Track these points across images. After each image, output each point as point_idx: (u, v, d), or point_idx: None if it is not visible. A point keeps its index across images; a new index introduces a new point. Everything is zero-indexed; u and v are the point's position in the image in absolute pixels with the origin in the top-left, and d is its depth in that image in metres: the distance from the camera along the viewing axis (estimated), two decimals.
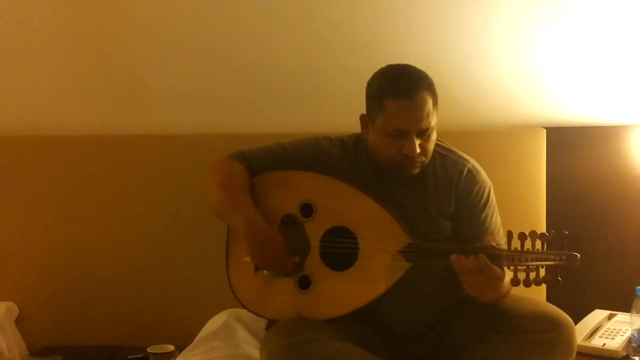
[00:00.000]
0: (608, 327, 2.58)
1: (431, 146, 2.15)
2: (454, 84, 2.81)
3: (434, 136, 2.15)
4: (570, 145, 2.83)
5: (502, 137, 2.80)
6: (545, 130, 2.80)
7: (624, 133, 2.83)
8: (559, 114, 2.87)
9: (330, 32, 2.86)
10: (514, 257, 1.98)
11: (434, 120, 2.11)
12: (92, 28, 2.86)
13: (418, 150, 2.10)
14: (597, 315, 2.67)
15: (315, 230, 2.17)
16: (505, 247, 2.11)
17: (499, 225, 2.25)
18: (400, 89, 2.08)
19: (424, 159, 2.14)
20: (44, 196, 2.80)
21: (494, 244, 2.01)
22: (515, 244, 2.00)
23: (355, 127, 2.26)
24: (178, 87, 2.88)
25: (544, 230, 2.70)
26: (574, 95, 2.87)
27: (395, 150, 2.11)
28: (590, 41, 2.85)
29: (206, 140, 2.78)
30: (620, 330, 2.55)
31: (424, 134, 2.11)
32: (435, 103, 2.12)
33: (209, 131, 2.83)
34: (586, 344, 2.49)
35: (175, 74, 2.87)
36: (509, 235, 2.00)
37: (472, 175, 2.23)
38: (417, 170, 2.16)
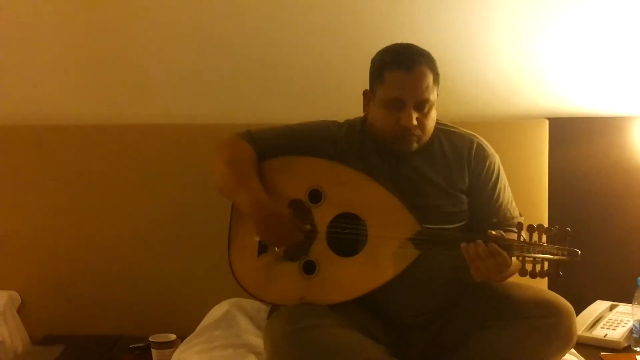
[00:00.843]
0: (610, 318, 2.59)
1: (429, 122, 2.16)
2: (456, 75, 2.81)
3: (433, 114, 2.17)
4: (572, 136, 2.82)
5: (505, 127, 2.80)
6: (547, 121, 2.80)
7: (627, 124, 2.83)
8: (562, 104, 2.87)
9: (334, 22, 2.85)
10: (523, 248, 2.00)
11: (433, 96, 2.14)
12: (93, 17, 2.84)
13: (415, 122, 2.11)
14: (599, 306, 2.67)
15: (322, 216, 2.18)
16: (519, 216, 2.24)
17: (510, 198, 2.29)
18: (400, 60, 2.14)
19: (420, 133, 2.15)
20: (45, 185, 2.80)
21: (502, 233, 2.03)
22: (524, 235, 2.03)
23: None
24: (180, 77, 2.87)
25: (546, 221, 2.74)
26: (576, 86, 2.87)
27: (392, 122, 2.13)
28: (593, 32, 2.84)
29: (208, 131, 2.76)
30: (621, 321, 2.56)
31: (422, 107, 2.13)
32: (435, 80, 2.15)
33: (211, 121, 2.83)
34: (588, 334, 2.50)
35: (176, 63, 2.86)
36: (519, 227, 2.03)
37: (482, 149, 2.26)
38: (414, 146, 2.17)
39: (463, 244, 2.02)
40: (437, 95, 2.19)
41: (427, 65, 2.14)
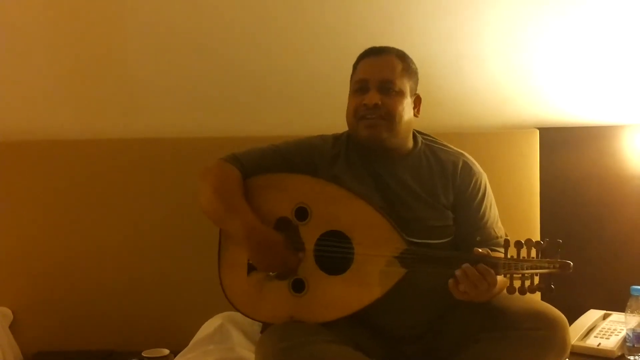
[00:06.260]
0: (603, 327, 2.58)
1: (396, 105, 2.18)
2: (446, 85, 2.82)
3: (402, 101, 2.18)
4: (563, 146, 2.83)
5: (495, 137, 2.81)
6: (538, 131, 2.81)
7: (617, 133, 2.84)
8: (552, 114, 2.88)
9: (324, 33, 2.86)
10: (510, 265, 1.98)
11: (400, 82, 2.19)
12: (84, 31, 2.85)
13: (378, 101, 2.15)
14: (592, 315, 2.66)
15: (309, 234, 2.17)
16: (504, 236, 2.20)
17: (496, 216, 2.29)
18: (371, 50, 2.26)
19: (386, 115, 2.16)
20: (36, 201, 2.79)
21: (489, 251, 2.02)
22: (512, 252, 2.00)
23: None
24: (171, 91, 2.87)
25: (538, 231, 2.74)
26: (566, 95, 2.88)
27: (358, 104, 2.18)
28: (582, 41, 2.86)
29: (199, 144, 2.77)
30: (615, 330, 2.55)
31: (387, 89, 2.17)
32: (405, 70, 2.21)
33: (202, 134, 2.83)
34: (581, 344, 2.49)
35: (168, 77, 2.86)
36: (506, 243, 2.02)
37: (468, 167, 2.26)
38: (384, 134, 2.18)
39: (450, 281, 2.00)
40: (413, 94, 2.23)
41: (396, 55, 2.22)
